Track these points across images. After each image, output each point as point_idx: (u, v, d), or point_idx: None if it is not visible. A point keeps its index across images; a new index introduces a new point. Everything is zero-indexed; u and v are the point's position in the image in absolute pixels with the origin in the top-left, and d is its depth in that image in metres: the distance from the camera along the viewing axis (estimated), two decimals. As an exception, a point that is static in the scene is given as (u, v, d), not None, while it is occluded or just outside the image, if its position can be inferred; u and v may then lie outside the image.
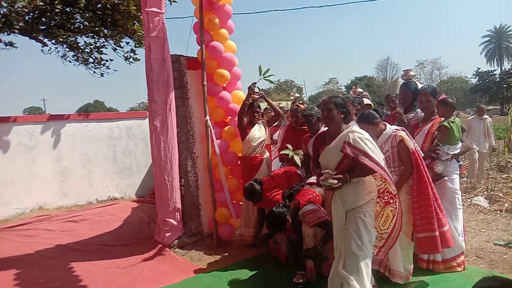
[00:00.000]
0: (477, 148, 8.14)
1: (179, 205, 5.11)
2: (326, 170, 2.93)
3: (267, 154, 5.33)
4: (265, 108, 6.22)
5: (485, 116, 8.50)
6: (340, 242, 3.01)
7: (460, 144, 3.82)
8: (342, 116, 3.08)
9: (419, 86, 4.31)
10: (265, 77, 5.18)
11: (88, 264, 4.68)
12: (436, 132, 3.79)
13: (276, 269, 4.22)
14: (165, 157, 4.98)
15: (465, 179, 7.93)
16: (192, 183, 5.28)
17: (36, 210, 7.38)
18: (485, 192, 6.76)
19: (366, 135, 3.00)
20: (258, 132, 5.05)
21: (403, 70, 4.62)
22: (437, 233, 3.43)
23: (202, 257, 4.77)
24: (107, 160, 8.47)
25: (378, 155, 2.96)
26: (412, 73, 4.44)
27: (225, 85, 5.38)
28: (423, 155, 3.63)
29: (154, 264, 4.62)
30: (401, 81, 4.92)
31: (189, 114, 5.28)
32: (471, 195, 6.71)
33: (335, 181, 2.86)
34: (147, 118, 6.57)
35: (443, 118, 3.81)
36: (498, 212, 5.76)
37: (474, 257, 4.23)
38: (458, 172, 3.93)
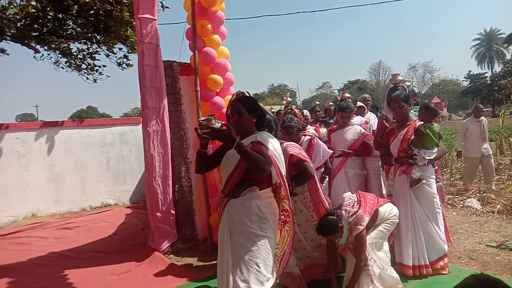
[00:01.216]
0: (478, 156, 7.52)
1: (172, 211, 5.11)
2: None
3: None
4: None
5: (481, 117, 7.82)
6: None
7: (436, 149, 3.82)
8: (254, 120, 2.72)
9: (400, 91, 4.25)
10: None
11: (82, 272, 4.65)
12: (412, 137, 3.79)
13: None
14: (159, 162, 4.98)
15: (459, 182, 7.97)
16: (186, 188, 5.28)
17: (29, 218, 7.32)
18: (478, 194, 6.81)
19: (275, 143, 2.69)
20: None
21: (391, 75, 4.65)
22: None
23: (196, 263, 4.76)
24: (101, 166, 8.44)
25: (282, 167, 2.71)
26: (400, 77, 4.46)
27: (218, 90, 5.40)
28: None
29: (148, 270, 4.60)
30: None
31: (183, 119, 5.29)
32: (464, 197, 6.76)
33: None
34: (141, 124, 6.56)
35: (420, 123, 3.81)
36: (491, 214, 5.81)
37: (467, 258, 4.26)
38: (434, 176, 3.93)
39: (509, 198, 6.19)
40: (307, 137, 4.31)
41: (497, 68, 54.67)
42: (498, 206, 5.96)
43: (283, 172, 2.71)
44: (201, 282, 4.19)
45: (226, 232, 2.62)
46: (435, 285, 3.63)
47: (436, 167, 4.03)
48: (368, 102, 6.13)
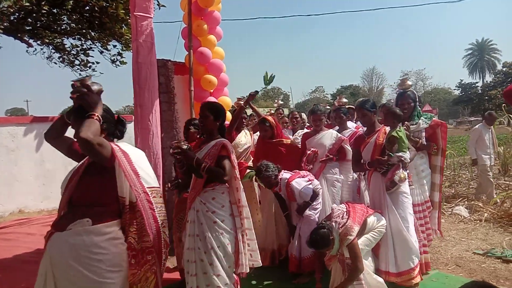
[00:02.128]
0: (487, 163, 7.21)
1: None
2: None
3: (252, 160, 5.34)
4: (250, 115, 6.25)
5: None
6: None
7: (408, 151, 3.76)
8: (217, 123, 3.08)
9: (365, 99, 4.19)
10: (270, 82, 5.09)
11: (69, 269, 4.60)
12: (384, 143, 3.71)
13: (260, 275, 4.22)
14: (150, 161, 4.94)
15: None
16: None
17: (16, 214, 7.24)
18: (466, 202, 6.89)
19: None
20: (244, 139, 5.06)
21: (400, 79, 4.47)
22: None
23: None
24: (91, 164, 8.36)
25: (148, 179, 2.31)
26: (409, 82, 4.33)
27: (212, 90, 5.40)
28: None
29: (136, 269, 4.56)
30: (386, 91, 4.96)
31: (175, 119, 5.27)
32: (452, 205, 6.83)
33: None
34: (132, 122, 6.52)
35: (388, 128, 3.77)
36: (478, 222, 5.87)
37: (454, 265, 4.30)
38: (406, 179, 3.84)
39: (497, 206, 6.27)
40: (284, 179, 4.04)
41: (488, 78, 55.42)
42: (486, 214, 6.03)
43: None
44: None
45: None
46: (422, 290, 3.66)
47: (408, 171, 3.97)
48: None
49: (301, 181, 3.97)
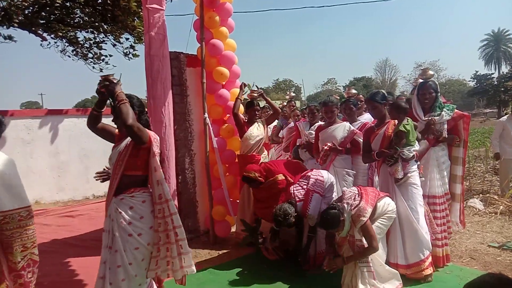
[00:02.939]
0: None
1: (176, 202, 5.12)
2: None
3: (265, 153, 5.35)
4: (263, 107, 6.24)
5: None
6: None
7: (417, 143, 3.77)
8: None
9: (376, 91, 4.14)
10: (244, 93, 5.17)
11: (84, 260, 4.69)
12: (392, 135, 3.70)
13: (272, 268, 4.24)
14: (163, 153, 4.98)
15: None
16: (189, 180, 5.29)
17: (33, 205, 7.31)
18: (481, 195, 6.80)
19: None
20: (257, 131, 5.06)
21: (421, 69, 4.38)
22: None
23: (198, 254, 4.79)
24: (105, 155, 8.30)
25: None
26: (431, 72, 4.22)
27: (224, 83, 5.39)
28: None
29: (150, 260, 4.62)
30: (399, 83, 4.87)
31: (188, 111, 5.29)
32: (467, 197, 6.75)
33: None
34: (146, 115, 6.56)
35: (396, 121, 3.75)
36: (493, 214, 5.80)
37: (468, 258, 4.26)
38: (417, 170, 3.83)
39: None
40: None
41: (504, 69, 54.29)
42: (501, 207, 5.95)
43: None
44: (202, 272, 4.22)
45: None
46: (436, 283, 3.64)
47: (419, 162, 3.91)
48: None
49: (315, 205, 3.93)
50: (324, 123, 4.76)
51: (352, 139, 4.43)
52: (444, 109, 4.02)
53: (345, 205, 3.38)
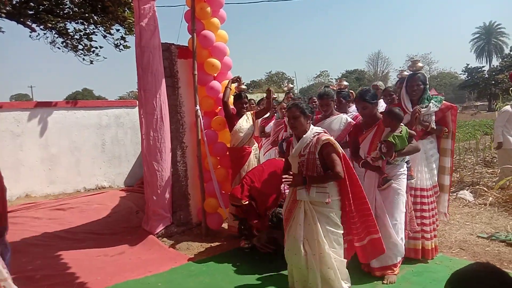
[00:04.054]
0: None
1: (168, 195, 5.11)
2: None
3: (256, 145, 5.35)
4: (261, 99, 6.21)
5: None
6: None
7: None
8: None
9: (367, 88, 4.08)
10: None
11: (76, 252, 4.67)
12: (380, 142, 3.60)
13: (264, 260, 4.26)
14: (154, 146, 4.96)
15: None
16: (181, 172, 5.28)
17: (23, 198, 7.31)
18: (471, 186, 6.87)
19: None
20: (246, 123, 5.03)
21: (411, 61, 4.30)
22: (380, 234, 3.33)
23: (190, 246, 4.79)
24: (96, 148, 8.40)
25: None
26: (420, 64, 4.14)
27: (215, 74, 5.36)
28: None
29: (142, 252, 4.63)
30: (391, 75, 4.84)
31: (179, 103, 5.26)
32: (457, 189, 6.82)
33: None
34: (137, 107, 6.53)
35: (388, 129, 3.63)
36: (483, 206, 5.87)
37: (458, 249, 4.31)
38: (405, 172, 3.76)
39: (501, 191, 6.25)
40: None
41: (495, 62, 54.65)
42: (490, 198, 6.02)
43: None
44: (194, 265, 4.22)
45: None
46: (425, 273, 3.69)
47: (410, 165, 3.89)
48: (379, 90, 6.01)
49: None
50: (319, 116, 4.70)
51: (349, 132, 4.32)
52: (432, 101, 4.00)
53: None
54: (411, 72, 4.14)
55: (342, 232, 3.20)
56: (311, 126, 3.25)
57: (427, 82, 4.11)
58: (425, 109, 3.97)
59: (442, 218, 4.35)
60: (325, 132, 3.22)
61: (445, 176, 4.22)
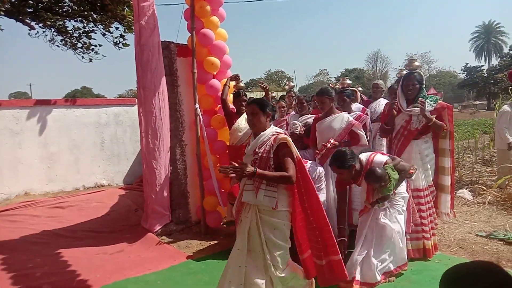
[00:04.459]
0: None
1: (167, 193, 5.11)
2: None
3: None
4: (249, 98, 6.18)
5: None
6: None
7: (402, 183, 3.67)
8: None
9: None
10: None
11: (75, 250, 4.67)
12: (376, 201, 3.57)
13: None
14: (153, 144, 4.96)
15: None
16: (180, 171, 5.28)
17: (22, 196, 7.30)
18: (469, 185, 6.88)
19: None
20: (245, 122, 5.01)
21: (407, 60, 4.30)
22: (340, 256, 3.00)
23: (189, 245, 4.79)
24: (95, 146, 8.39)
25: None
26: (416, 63, 4.15)
27: (215, 73, 5.36)
28: None
29: (141, 250, 4.63)
30: (390, 74, 4.82)
31: (179, 101, 5.26)
32: (456, 188, 6.82)
33: None
34: (136, 105, 6.52)
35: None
36: (481, 204, 5.88)
37: (456, 247, 4.32)
38: (403, 190, 3.73)
39: (500, 190, 6.26)
40: None
41: (495, 61, 54.73)
42: (489, 197, 6.03)
43: None
44: (193, 263, 4.23)
45: None
46: (424, 272, 3.70)
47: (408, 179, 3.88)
48: (380, 88, 6.02)
49: None
50: (321, 114, 4.69)
51: (350, 131, 4.31)
52: (427, 100, 3.97)
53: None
54: (407, 71, 4.14)
55: (289, 246, 2.92)
56: (272, 125, 3.05)
57: (424, 82, 4.10)
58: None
59: (445, 219, 4.35)
60: (285, 133, 3.01)
61: (445, 177, 4.19)
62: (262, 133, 2.96)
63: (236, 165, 2.77)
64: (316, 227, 2.95)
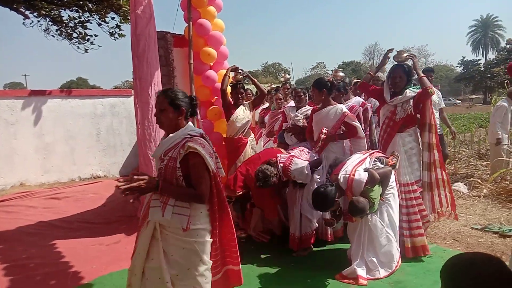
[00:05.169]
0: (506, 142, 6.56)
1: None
2: None
3: (253, 136, 5.32)
4: (247, 89, 6.17)
5: None
6: None
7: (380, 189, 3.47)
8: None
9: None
10: None
11: (71, 241, 4.66)
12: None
13: (259, 249, 4.27)
14: (149, 136, 4.93)
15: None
16: (177, 162, 5.25)
17: (17, 187, 7.28)
18: (465, 179, 6.91)
19: None
20: (242, 114, 4.99)
21: (397, 51, 4.08)
22: (240, 267, 2.69)
23: (185, 236, 4.78)
24: (91, 137, 8.36)
25: None
26: (405, 55, 3.98)
27: (211, 64, 5.32)
28: None
29: (137, 242, 4.62)
30: (387, 67, 4.72)
31: (175, 92, 5.21)
32: (452, 181, 6.85)
33: None
34: (132, 96, 6.48)
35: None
36: (477, 198, 5.90)
37: (452, 240, 4.34)
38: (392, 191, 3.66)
39: (495, 183, 6.29)
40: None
41: (491, 55, 54.79)
42: (485, 190, 6.05)
43: None
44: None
45: None
46: (419, 264, 3.72)
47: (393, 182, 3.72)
48: (380, 81, 5.97)
49: (298, 167, 3.95)
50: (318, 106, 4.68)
51: (344, 122, 4.28)
52: (409, 88, 3.91)
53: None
54: (396, 63, 4.04)
55: (208, 267, 2.34)
56: (189, 124, 2.41)
57: (412, 75, 3.98)
58: (401, 96, 3.90)
59: (429, 219, 4.10)
60: (202, 137, 2.36)
61: (425, 172, 3.98)
62: (171, 134, 2.34)
63: (139, 177, 2.19)
64: (222, 242, 2.53)
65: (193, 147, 2.22)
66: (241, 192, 4.15)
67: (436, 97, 6.27)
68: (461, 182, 6.66)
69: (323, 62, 63.36)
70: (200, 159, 2.23)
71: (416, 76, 4.09)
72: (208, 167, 2.26)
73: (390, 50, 4.15)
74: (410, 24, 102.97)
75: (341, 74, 5.14)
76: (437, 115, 6.14)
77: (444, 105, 6.60)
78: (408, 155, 3.99)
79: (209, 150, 2.33)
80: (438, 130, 5.67)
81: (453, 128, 6.77)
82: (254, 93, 7.20)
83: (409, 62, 4.08)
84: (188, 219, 2.24)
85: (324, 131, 4.19)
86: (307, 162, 3.99)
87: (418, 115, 4.01)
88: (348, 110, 4.42)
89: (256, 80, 5.22)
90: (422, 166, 4.02)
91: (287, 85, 6.51)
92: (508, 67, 3.92)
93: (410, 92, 3.90)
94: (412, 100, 3.92)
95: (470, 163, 8.10)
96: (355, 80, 5.76)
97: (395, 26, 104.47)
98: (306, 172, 3.92)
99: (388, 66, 4.53)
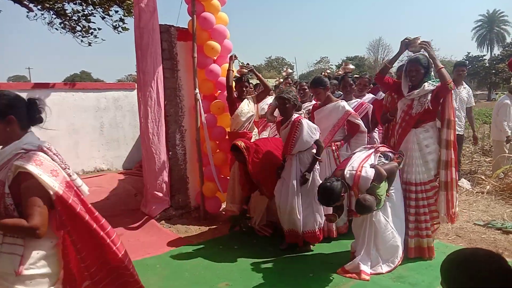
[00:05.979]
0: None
1: (166, 178, 5.11)
2: None
3: (256, 131, 5.31)
4: (256, 85, 6.16)
5: None
6: None
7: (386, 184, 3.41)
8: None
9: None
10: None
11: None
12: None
13: (261, 243, 4.29)
14: (152, 129, 4.94)
15: None
16: (180, 156, 5.26)
17: (21, 179, 7.30)
18: (469, 175, 6.90)
19: None
20: (247, 107, 4.98)
21: (409, 39, 3.72)
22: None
23: (188, 230, 4.81)
24: (94, 131, 8.36)
25: None
26: (418, 42, 3.65)
27: (215, 57, 5.30)
28: None
29: (140, 235, 4.65)
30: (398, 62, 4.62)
31: (179, 86, 5.21)
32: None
33: None
34: (135, 90, 6.47)
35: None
36: (480, 194, 5.89)
37: (454, 235, 4.34)
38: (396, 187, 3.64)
39: (499, 180, 6.27)
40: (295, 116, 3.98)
41: (497, 51, 54.35)
42: (488, 186, 6.04)
43: None
44: (192, 247, 4.25)
45: None
46: (421, 259, 3.72)
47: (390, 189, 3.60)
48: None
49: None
50: (319, 103, 4.65)
51: (347, 120, 4.24)
52: (429, 81, 3.69)
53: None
54: (411, 54, 3.81)
55: None
56: (27, 135, 1.98)
57: (430, 65, 3.70)
58: (419, 89, 3.68)
59: (441, 222, 3.87)
60: (42, 150, 1.96)
61: (441, 171, 3.71)
62: (3, 148, 1.85)
63: None
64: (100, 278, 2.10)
65: (21, 166, 1.73)
66: (244, 148, 4.20)
67: (466, 94, 6.18)
68: (465, 178, 6.65)
69: (327, 57, 63.09)
70: (33, 181, 1.74)
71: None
72: (45, 193, 1.76)
73: (407, 39, 3.76)
74: (415, 19, 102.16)
75: (351, 66, 5.01)
76: (463, 113, 6.06)
77: (474, 104, 6.32)
78: (422, 153, 3.73)
79: (51, 167, 1.85)
80: (460, 130, 5.59)
81: (477, 134, 6.66)
82: (253, 87, 7.19)
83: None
84: (21, 260, 1.73)
85: (334, 148, 4.26)
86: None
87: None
88: (357, 107, 4.41)
89: (260, 75, 5.20)
90: (440, 164, 3.71)
91: (289, 79, 6.50)
92: (509, 62, 3.85)
93: (429, 85, 3.66)
94: (430, 94, 3.66)
95: (474, 159, 8.07)
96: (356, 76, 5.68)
97: (400, 21, 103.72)
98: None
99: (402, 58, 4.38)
